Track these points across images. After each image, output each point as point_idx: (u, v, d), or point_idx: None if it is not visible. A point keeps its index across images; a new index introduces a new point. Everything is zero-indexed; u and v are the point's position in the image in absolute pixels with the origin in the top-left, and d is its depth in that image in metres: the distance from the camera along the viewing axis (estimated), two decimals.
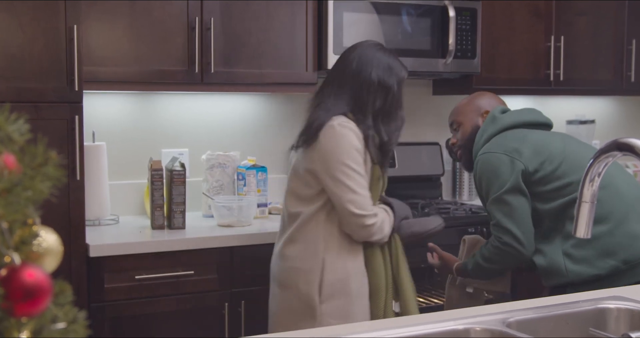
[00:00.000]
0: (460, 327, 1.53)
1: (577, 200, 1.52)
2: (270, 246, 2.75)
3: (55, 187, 0.85)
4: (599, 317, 1.66)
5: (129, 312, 2.58)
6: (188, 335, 2.63)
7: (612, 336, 1.41)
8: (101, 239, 2.60)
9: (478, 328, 1.53)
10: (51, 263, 0.86)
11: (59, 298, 0.82)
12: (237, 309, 2.70)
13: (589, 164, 1.51)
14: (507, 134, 2.47)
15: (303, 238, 2.23)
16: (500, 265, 2.40)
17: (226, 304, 2.69)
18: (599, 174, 1.51)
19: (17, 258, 0.80)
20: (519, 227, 2.33)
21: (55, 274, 0.82)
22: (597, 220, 2.10)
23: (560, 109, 3.98)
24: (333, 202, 2.16)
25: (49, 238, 0.86)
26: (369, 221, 2.14)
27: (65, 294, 0.83)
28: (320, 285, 2.18)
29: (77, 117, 2.46)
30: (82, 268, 2.50)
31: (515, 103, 3.93)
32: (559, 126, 2.87)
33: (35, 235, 0.84)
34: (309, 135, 2.17)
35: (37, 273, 0.79)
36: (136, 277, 2.57)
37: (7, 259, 0.80)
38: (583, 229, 1.53)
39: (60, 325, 0.81)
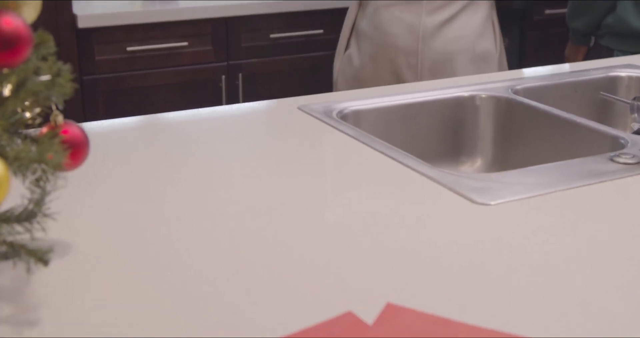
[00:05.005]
0: (466, 93, 1.48)
1: None
2: (269, 17, 2.65)
3: None
4: (609, 85, 1.61)
5: (123, 85, 2.53)
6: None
7: (622, 99, 1.37)
8: (90, 9, 2.49)
9: (484, 96, 1.48)
10: (30, 13, 0.79)
11: (40, 49, 0.76)
12: (234, 82, 2.65)
13: None
14: None
15: None
16: None
17: (223, 77, 2.63)
18: None
19: None
20: None
21: None
22: None
23: None
24: None
25: None
26: None
27: (47, 45, 0.76)
28: None
29: None
30: (71, 40, 2.41)
31: None
32: None
33: None
34: None
35: (14, 21, 0.72)
36: (128, 48, 2.49)
37: None
38: None
39: (45, 77, 0.75)
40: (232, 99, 2.66)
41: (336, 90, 2.18)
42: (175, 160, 1.14)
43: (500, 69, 2.11)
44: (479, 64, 2.06)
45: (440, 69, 2.04)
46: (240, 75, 2.65)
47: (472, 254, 0.84)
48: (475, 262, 0.83)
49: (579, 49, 2.42)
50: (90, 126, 1.30)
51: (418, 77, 2.05)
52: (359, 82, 2.10)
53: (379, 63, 2.07)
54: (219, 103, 2.66)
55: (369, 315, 0.72)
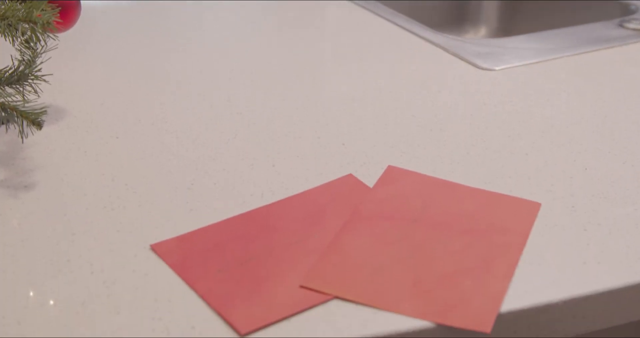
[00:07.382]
0: None
1: None
2: None
3: None
4: None
5: None
6: None
7: None
8: None
9: None
10: None
11: None
12: None
13: None
14: None
15: None
16: None
17: None
18: None
19: None
20: None
21: None
22: None
23: None
24: None
25: None
26: None
27: None
28: None
29: None
30: None
31: None
32: None
33: None
34: None
35: None
36: None
37: None
38: None
39: None
40: None
41: None
42: (170, 28, 1.11)
43: None
44: None
45: None
46: None
47: (475, 119, 0.83)
48: (479, 126, 0.81)
49: None
50: None
51: None
52: None
53: None
54: None
55: (370, 179, 0.71)
